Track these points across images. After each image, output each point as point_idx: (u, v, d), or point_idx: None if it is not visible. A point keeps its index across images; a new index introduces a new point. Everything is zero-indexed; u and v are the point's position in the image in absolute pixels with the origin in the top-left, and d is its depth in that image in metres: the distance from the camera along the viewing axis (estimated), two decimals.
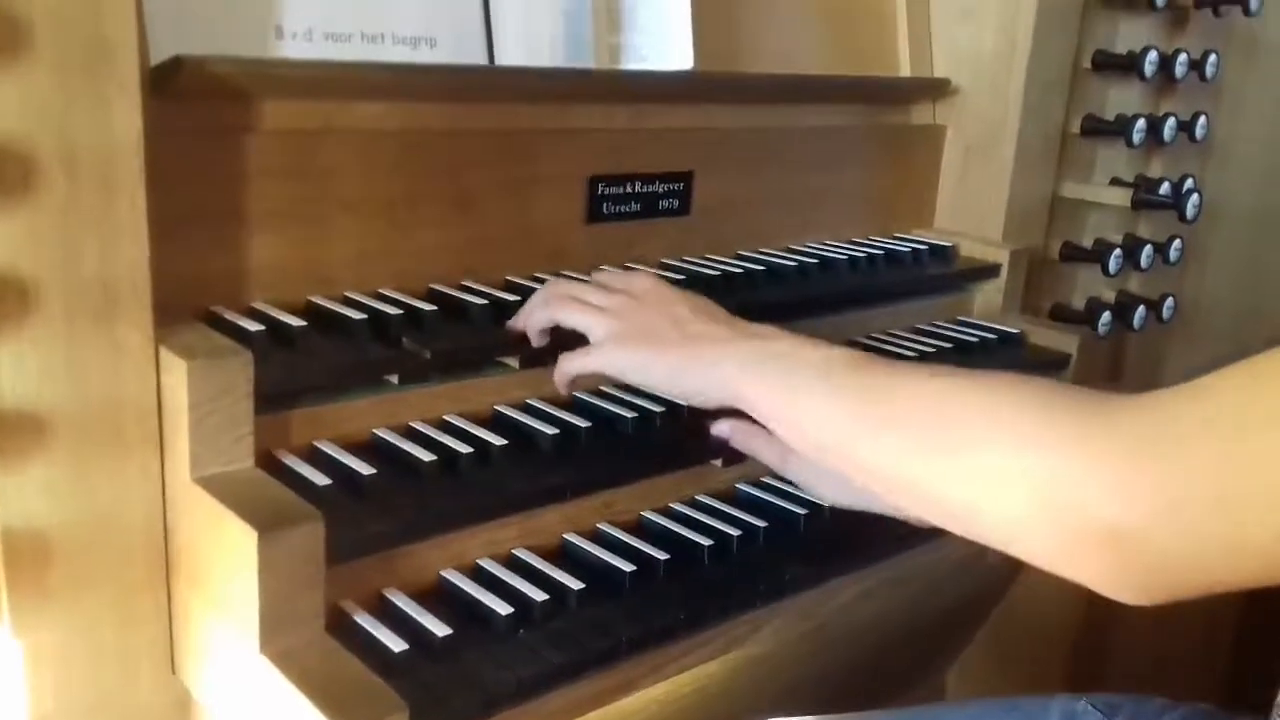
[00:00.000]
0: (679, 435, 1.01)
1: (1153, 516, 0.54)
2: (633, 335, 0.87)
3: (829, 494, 0.96)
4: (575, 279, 0.98)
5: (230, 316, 0.87)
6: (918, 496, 0.68)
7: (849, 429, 0.72)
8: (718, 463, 1.03)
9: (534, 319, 0.93)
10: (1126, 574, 0.57)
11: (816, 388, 0.75)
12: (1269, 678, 0.87)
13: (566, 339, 0.93)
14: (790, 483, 1.06)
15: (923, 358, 1.25)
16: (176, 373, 0.75)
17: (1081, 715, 1.00)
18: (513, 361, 0.99)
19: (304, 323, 0.87)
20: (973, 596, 1.52)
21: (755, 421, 0.84)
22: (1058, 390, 0.63)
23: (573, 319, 0.90)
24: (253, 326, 0.85)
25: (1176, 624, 1.76)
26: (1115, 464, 0.55)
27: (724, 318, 0.88)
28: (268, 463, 0.82)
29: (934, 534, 1.06)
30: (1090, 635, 1.70)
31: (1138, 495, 0.54)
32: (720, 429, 0.96)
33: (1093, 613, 1.68)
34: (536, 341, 0.94)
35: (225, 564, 0.73)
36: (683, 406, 1.01)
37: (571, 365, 0.91)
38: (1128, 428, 0.56)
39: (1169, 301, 1.62)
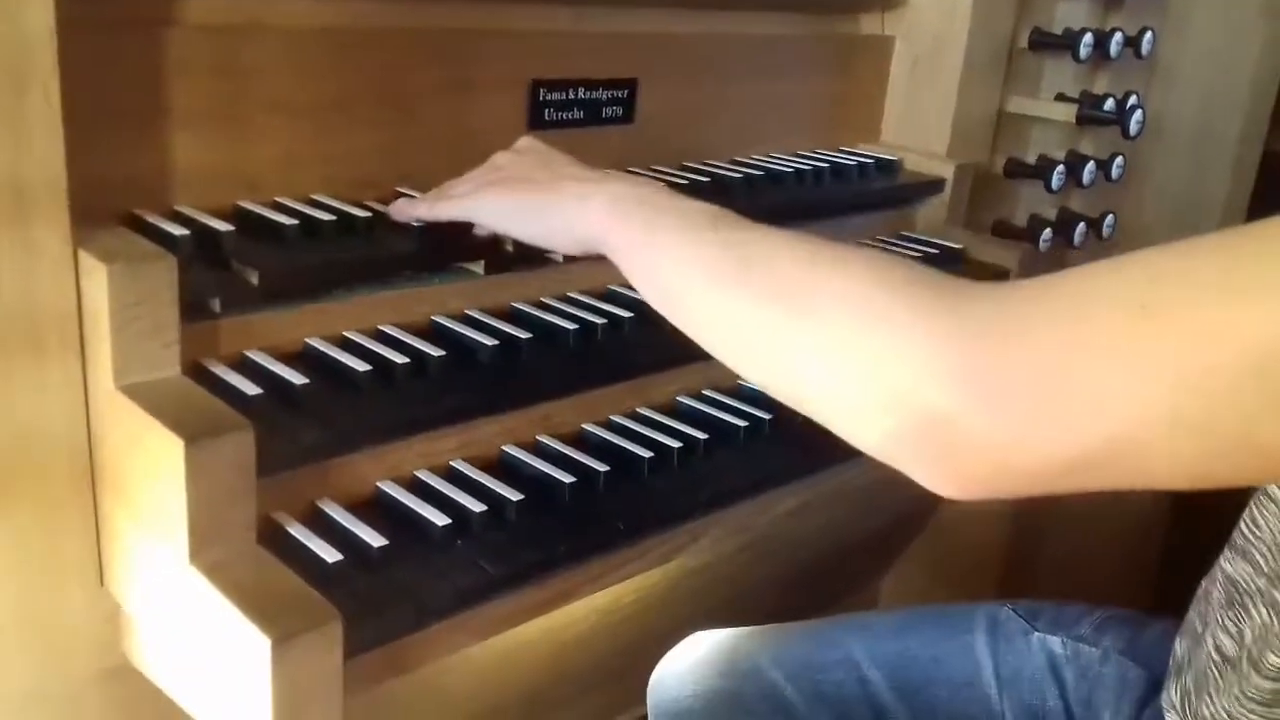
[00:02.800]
0: (620, 347, 1.00)
1: (984, 403, 0.52)
2: (505, 180, 0.86)
3: None
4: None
5: (153, 220, 0.84)
6: (753, 359, 0.65)
7: (700, 279, 0.68)
8: (478, 268, 0.99)
9: (418, 213, 0.92)
10: (948, 464, 0.54)
11: (677, 234, 0.72)
12: (1192, 587, 0.90)
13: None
14: (732, 395, 1.07)
15: None
16: (96, 277, 0.72)
17: (1005, 621, 1.03)
18: (476, 267, 0.98)
19: (231, 228, 0.84)
20: (907, 509, 1.54)
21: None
22: (925, 273, 0.59)
23: (451, 208, 0.89)
24: (177, 231, 0.82)
25: (1106, 535, 1.82)
26: (957, 347, 0.53)
27: (602, 170, 0.86)
28: (196, 372, 0.79)
29: None
30: (1021, 546, 1.74)
31: (972, 380, 0.52)
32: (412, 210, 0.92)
33: (1023, 524, 1.72)
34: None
35: (152, 475, 0.71)
36: (625, 319, 1.00)
37: (433, 209, 0.90)
38: (979, 312, 0.54)
39: (1109, 219, 1.63)
